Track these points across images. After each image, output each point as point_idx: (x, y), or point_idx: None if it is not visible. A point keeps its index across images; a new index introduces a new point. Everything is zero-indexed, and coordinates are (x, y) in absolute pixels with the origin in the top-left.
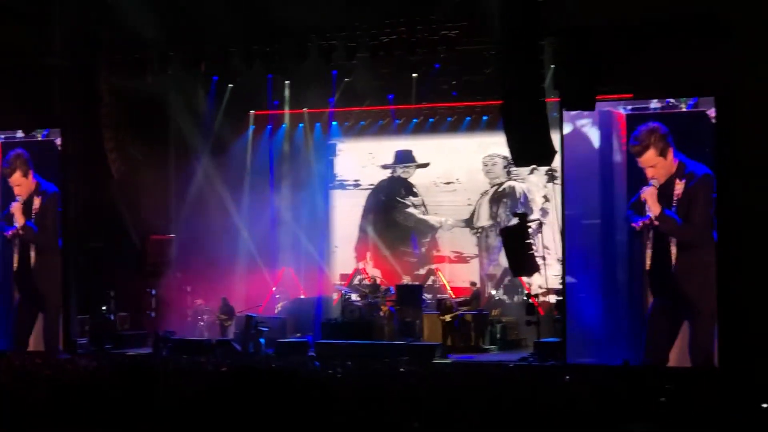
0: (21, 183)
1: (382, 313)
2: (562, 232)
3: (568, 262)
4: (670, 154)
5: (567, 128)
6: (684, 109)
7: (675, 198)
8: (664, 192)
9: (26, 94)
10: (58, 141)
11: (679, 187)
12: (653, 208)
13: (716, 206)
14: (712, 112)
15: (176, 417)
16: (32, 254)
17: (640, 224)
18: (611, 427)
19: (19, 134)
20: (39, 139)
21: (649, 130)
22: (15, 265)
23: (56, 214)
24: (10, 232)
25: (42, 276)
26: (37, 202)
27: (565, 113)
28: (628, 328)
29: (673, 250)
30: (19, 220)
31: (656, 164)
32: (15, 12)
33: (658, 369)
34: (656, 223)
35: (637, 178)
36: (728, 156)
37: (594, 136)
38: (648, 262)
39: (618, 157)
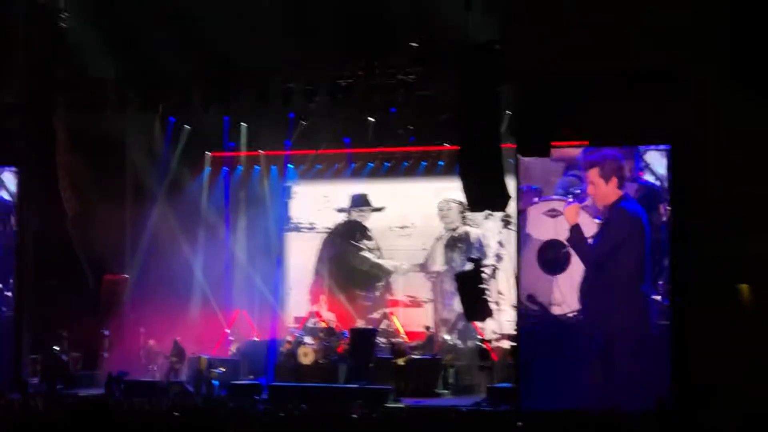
0: None
1: (335, 357)
2: (517, 277)
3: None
4: (613, 183)
5: None
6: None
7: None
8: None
9: None
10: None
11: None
12: (570, 220)
13: (671, 256)
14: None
15: None
16: None
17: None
18: None
19: None
20: None
21: (606, 153)
22: None
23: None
24: None
25: None
26: None
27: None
28: (582, 368)
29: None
30: None
31: (596, 183)
32: None
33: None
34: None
35: None
36: (683, 204)
37: None
38: None
39: None
